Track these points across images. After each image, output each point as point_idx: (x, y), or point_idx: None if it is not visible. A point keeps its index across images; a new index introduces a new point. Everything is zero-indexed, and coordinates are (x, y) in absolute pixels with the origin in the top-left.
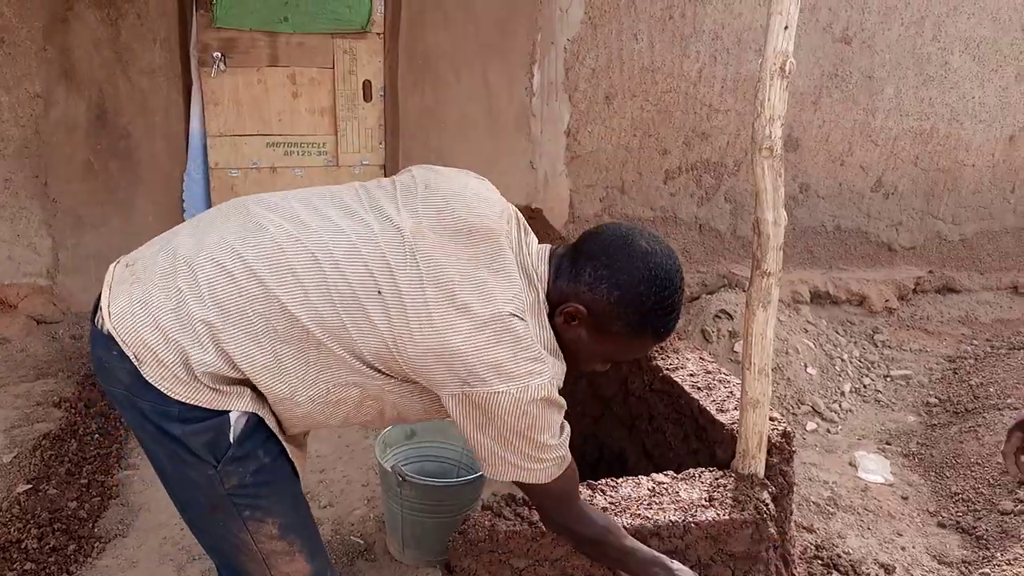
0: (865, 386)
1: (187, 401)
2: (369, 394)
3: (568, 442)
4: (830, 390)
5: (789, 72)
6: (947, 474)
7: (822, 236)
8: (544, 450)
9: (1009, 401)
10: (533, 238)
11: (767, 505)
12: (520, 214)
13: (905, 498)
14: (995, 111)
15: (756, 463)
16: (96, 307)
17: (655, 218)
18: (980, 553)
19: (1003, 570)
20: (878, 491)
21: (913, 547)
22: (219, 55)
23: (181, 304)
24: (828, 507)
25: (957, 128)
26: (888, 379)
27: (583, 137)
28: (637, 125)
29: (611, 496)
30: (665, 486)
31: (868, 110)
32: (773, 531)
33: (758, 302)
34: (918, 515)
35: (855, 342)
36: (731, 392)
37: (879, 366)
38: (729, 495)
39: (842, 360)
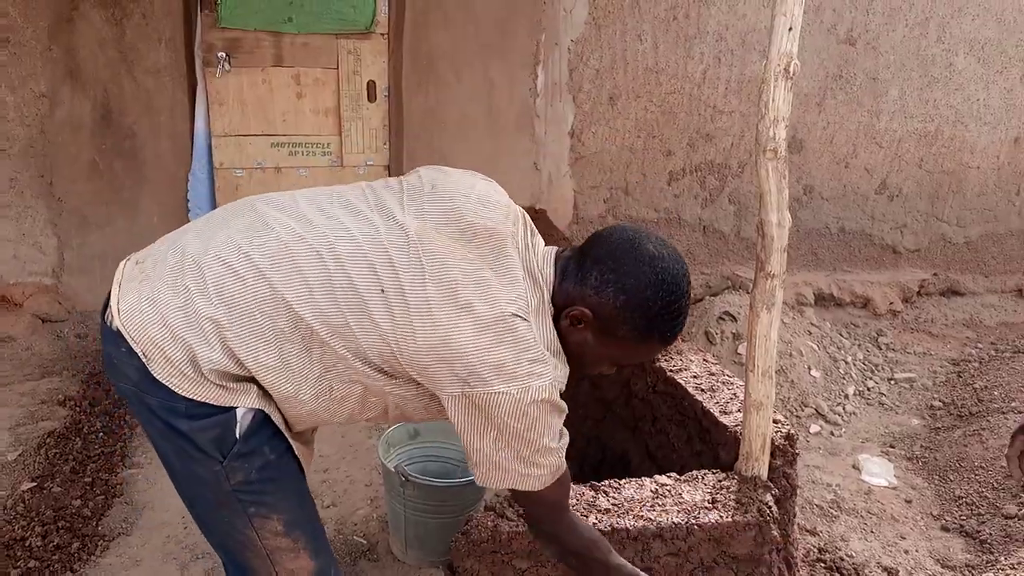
0: (869, 389)
1: (194, 397)
2: (372, 392)
3: (565, 450)
4: (834, 393)
5: (793, 74)
6: (951, 478)
7: (826, 238)
8: (542, 454)
9: (1013, 405)
10: (539, 240)
11: (770, 507)
12: (527, 216)
13: (909, 501)
14: (1000, 113)
15: (759, 465)
16: (107, 304)
17: (659, 219)
18: (984, 557)
19: (1007, 574)
20: (881, 494)
21: (916, 551)
22: (224, 55)
23: (188, 302)
24: (831, 510)
25: (962, 130)
26: (892, 382)
27: (587, 138)
28: (641, 126)
29: (614, 498)
30: (668, 488)
31: (872, 112)
32: (776, 534)
33: (762, 304)
34: (922, 518)
35: (859, 344)
36: (735, 394)
37: (883, 369)
38: (732, 497)
39: (846, 363)
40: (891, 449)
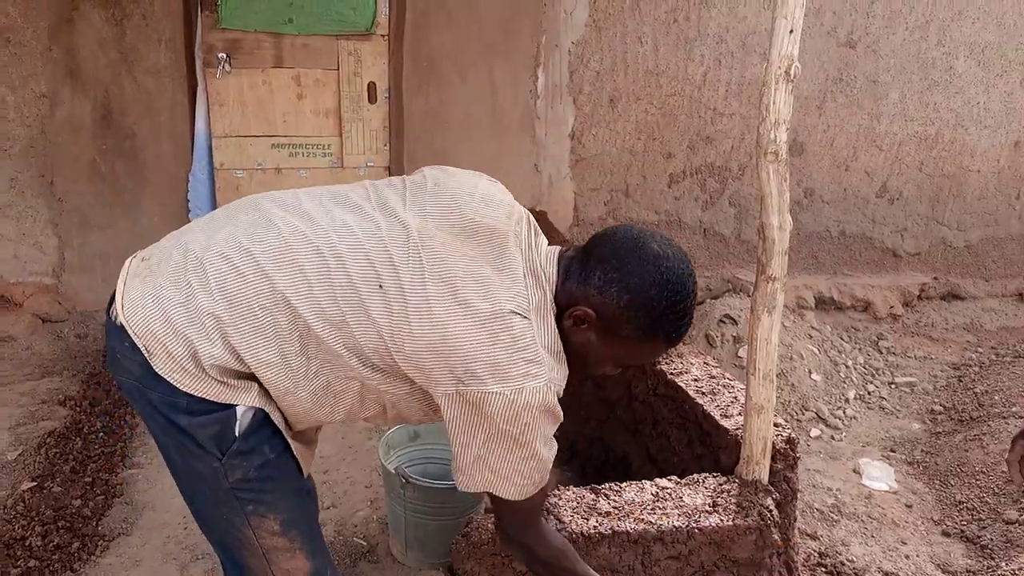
0: (869, 393)
1: (195, 393)
2: (369, 390)
3: (552, 461)
4: (834, 396)
5: (794, 76)
6: (952, 482)
7: (827, 241)
8: (530, 463)
9: (1014, 409)
10: (543, 239)
11: (771, 511)
12: (531, 216)
13: (909, 506)
14: (1000, 116)
15: (760, 469)
16: (112, 299)
17: (659, 222)
18: (985, 563)
19: None
20: (882, 499)
21: (917, 555)
22: (224, 56)
23: (190, 298)
24: (832, 514)
25: (962, 133)
26: (893, 386)
27: (587, 140)
28: (641, 128)
29: (615, 500)
30: (669, 491)
31: (873, 115)
32: (777, 537)
33: (763, 307)
34: (922, 523)
35: (860, 348)
36: (735, 397)
37: (884, 373)
38: (733, 501)
39: (847, 366)
40: (892, 453)
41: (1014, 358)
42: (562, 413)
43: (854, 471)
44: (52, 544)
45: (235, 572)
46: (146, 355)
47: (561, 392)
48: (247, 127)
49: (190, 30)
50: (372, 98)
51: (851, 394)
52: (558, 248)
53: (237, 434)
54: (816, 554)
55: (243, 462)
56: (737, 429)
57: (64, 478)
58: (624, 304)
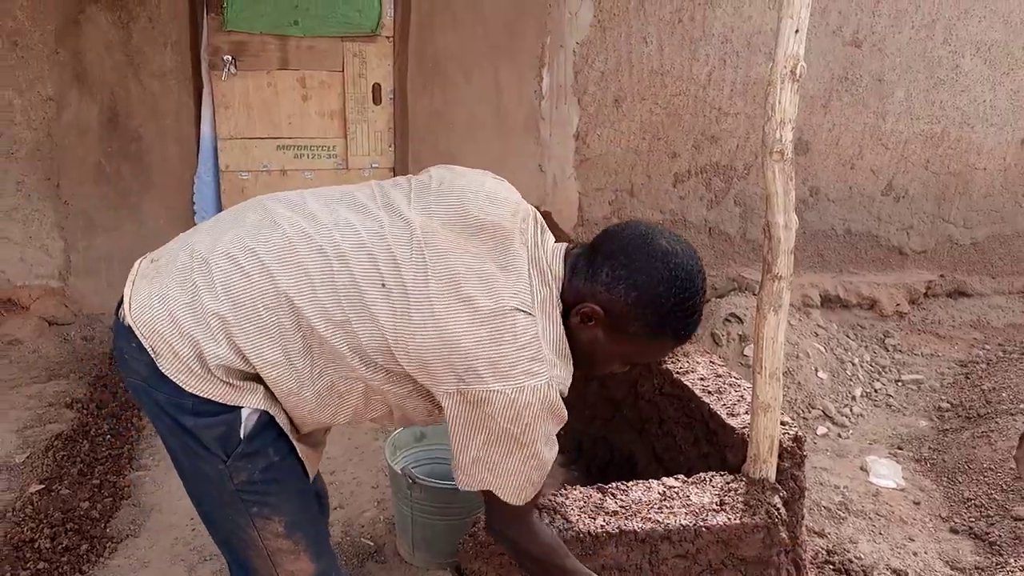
0: (876, 390)
1: (200, 394)
2: (373, 391)
3: (552, 463)
4: (841, 394)
5: (800, 75)
6: (959, 479)
7: (832, 240)
8: (530, 462)
9: (1022, 406)
10: (550, 237)
11: (778, 509)
12: (538, 214)
13: (917, 503)
14: (1006, 114)
15: (767, 467)
16: (122, 300)
17: (664, 221)
18: (993, 559)
19: None
20: (890, 496)
21: (925, 552)
22: (229, 58)
23: (196, 298)
24: (839, 512)
25: (968, 131)
26: (899, 383)
27: (592, 140)
28: (646, 128)
29: (621, 500)
30: (676, 490)
31: (878, 113)
32: (784, 536)
33: (769, 306)
34: (930, 520)
35: (866, 346)
36: (742, 396)
37: (890, 370)
38: (740, 499)
39: (853, 364)
40: (899, 451)
41: (1021, 355)
42: (566, 413)
43: (861, 469)
44: (61, 546)
45: (241, 573)
46: (152, 356)
47: (566, 391)
48: (252, 129)
49: (196, 33)
50: (377, 99)
51: (858, 392)
52: (565, 245)
53: (242, 436)
54: (824, 552)
55: (248, 464)
56: (744, 427)
57: (72, 480)
58: (632, 301)
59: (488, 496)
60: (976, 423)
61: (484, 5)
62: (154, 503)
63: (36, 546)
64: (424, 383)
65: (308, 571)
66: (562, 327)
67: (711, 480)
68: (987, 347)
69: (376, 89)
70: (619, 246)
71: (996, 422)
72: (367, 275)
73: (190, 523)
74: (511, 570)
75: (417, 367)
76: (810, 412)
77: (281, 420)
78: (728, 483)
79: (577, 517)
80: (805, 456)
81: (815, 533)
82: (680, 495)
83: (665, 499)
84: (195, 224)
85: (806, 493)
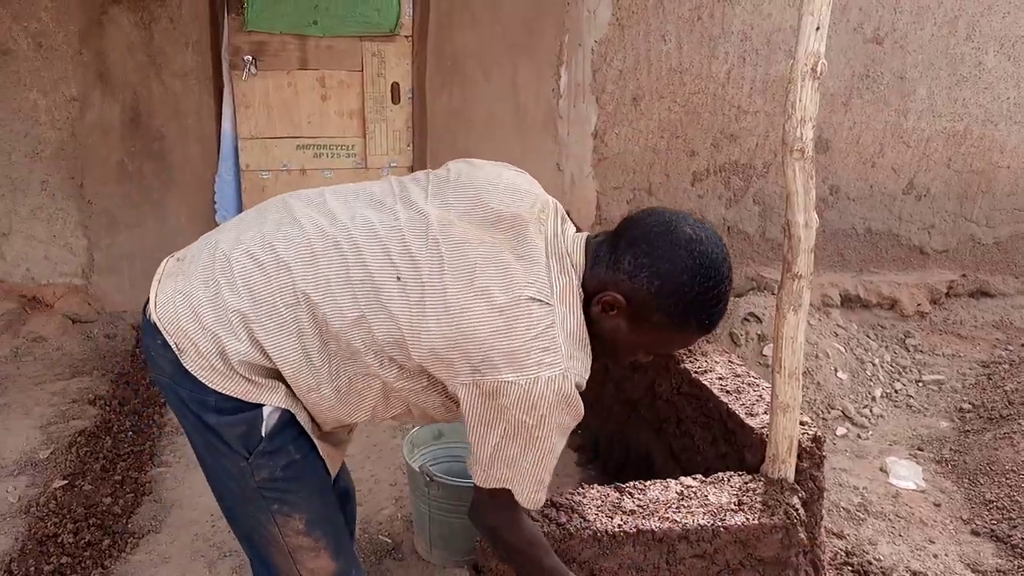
0: (896, 391)
1: (223, 391)
2: (391, 388)
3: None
4: (861, 395)
5: (821, 73)
6: (981, 481)
7: (853, 239)
8: (545, 459)
9: None
10: (571, 227)
11: (797, 510)
12: (559, 205)
13: (938, 505)
14: None
15: (786, 467)
16: (148, 299)
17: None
18: (1016, 562)
19: None
20: (910, 497)
21: (946, 555)
22: (250, 58)
23: (218, 295)
24: (859, 513)
25: (991, 129)
26: (920, 384)
27: (610, 139)
28: (665, 127)
29: (639, 499)
30: (694, 490)
31: (900, 111)
32: (803, 536)
33: (788, 305)
34: (951, 522)
35: (886, 346)
36: (760, 396)
37: (911, 371)
38: (759, 499)
39: (873, 365)
40: (919, 452)
41: None
42: (582, 407)
43: (881, 470)
44: (83, 541)
45: (263, 570)
46: (177, 352)
47: (583, 383)
48: (272, 128)
49: (216, 33)
50: (395, 99)
51: (878, 392)
52: (586, 234)
53: (263, 434)
54: (843, 553)
55: (269, 462)
56: (762, 427)
57: (95, 476)
58: (655, 290)
59: (476, 484)
60: (998, 424)
61: (503, 3)
62: (175, 499)
63: (59, 541)
64: (440, 376)
65: (328, 568)
66: (582, 317)
67: (729, 480)
68: (1010, 348)
69: (395, 88)
70: (642, 233)
71: (1019, 423)
72: (382, 269)
73: (210, 519)
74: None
75: (432, 360)
76: (829, 412)
77: (302, 418)
78: (746, 483)
79: (594, 516)
80: (824, 457)
81: (834, 534)
82: (698, 495)
83: (683, 499)
84: (216, 223)
85: (825, 494)
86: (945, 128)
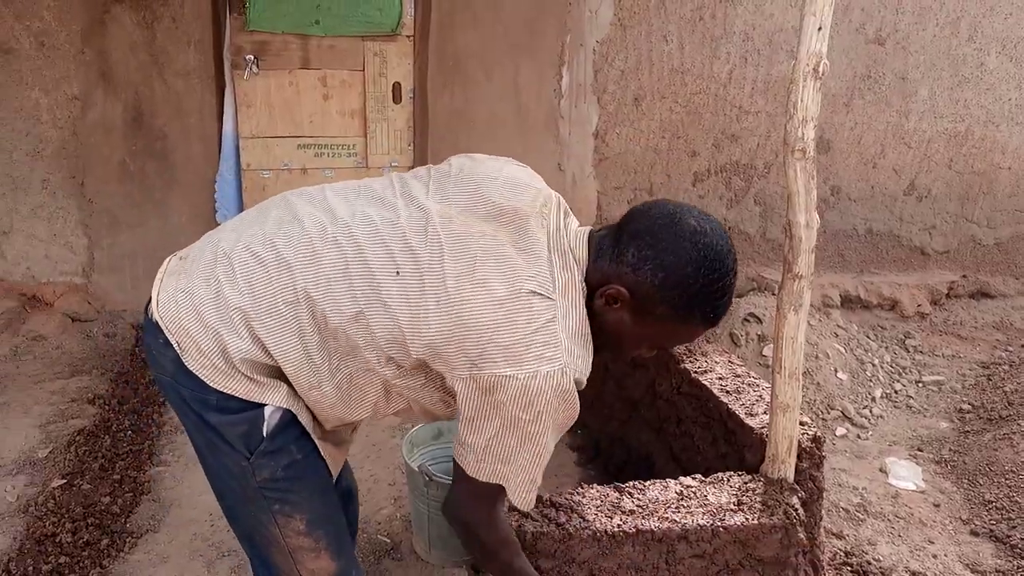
0: (896, 392)
1: (224, 390)
2: (391, 384)
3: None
4: (861, 395)
5: (823, 73)
6: (980, 481)
7: (853, 239)
8: (539, 458)
9: None
10: (574, 221)
11: (796, 510)
12: (562, 199)
13: (937, 505)
14: None
15: (786, 468)
16: (151, 298)
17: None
18: (1015, 562)
19: None
20: (909, 498)
21: (945, 555)
22: (252, 58)
23: (219, 293)
24: (858, 513)
25: (993, 130)
26: (920, 385)
27: (611, 139)
28: (666, 127)
29: (638, 499)
30: (693, 489)
31: (901, 112)
32: (802, 536)
33: (789, 305)
34: (950, 523)
35: (886, 347)
36: (760, 396)
37: (911, 371)
38: (758, 499)
39: (873, 365)
40: (919, 452)
41: None
42: (579, 406)
43: (880, 470)
44: (82, 541)
45: (263, 570)
46: (178, 351)
47: (584, 380)
48: (274, 128)
49: (219, 32)
50: (397, 98)
51: (877, 393)
52: (589, 228)
53: (265, 434)
54: (842, 553)
55: (270, 462)
56: (762, 428)
57: (93, 476)
58: (659, 282)
59: (457, 471)
60: (998, 425)
61: (504, 3)
62: (174, 499)
63: (58, 540)
64: (439, 369)
65: (328, 569)
66: (584, 313)
67: (729, 480)
68: (1010, 349)
69: (396, 88)
70: (646, 225)
71: (1019, 424)
72: (381, 264)
73: (209, 519)
74: None
75: (431, 354)
76: (829, 413)
77: (304, 419)
78: (746, 483)
79: (594, 516)
80: (824, 457)
81: (833, 535)
82: (697, 495)
83: (682, 499)
84: (217, 222)
85: (824, 494)
86: (947, 129)
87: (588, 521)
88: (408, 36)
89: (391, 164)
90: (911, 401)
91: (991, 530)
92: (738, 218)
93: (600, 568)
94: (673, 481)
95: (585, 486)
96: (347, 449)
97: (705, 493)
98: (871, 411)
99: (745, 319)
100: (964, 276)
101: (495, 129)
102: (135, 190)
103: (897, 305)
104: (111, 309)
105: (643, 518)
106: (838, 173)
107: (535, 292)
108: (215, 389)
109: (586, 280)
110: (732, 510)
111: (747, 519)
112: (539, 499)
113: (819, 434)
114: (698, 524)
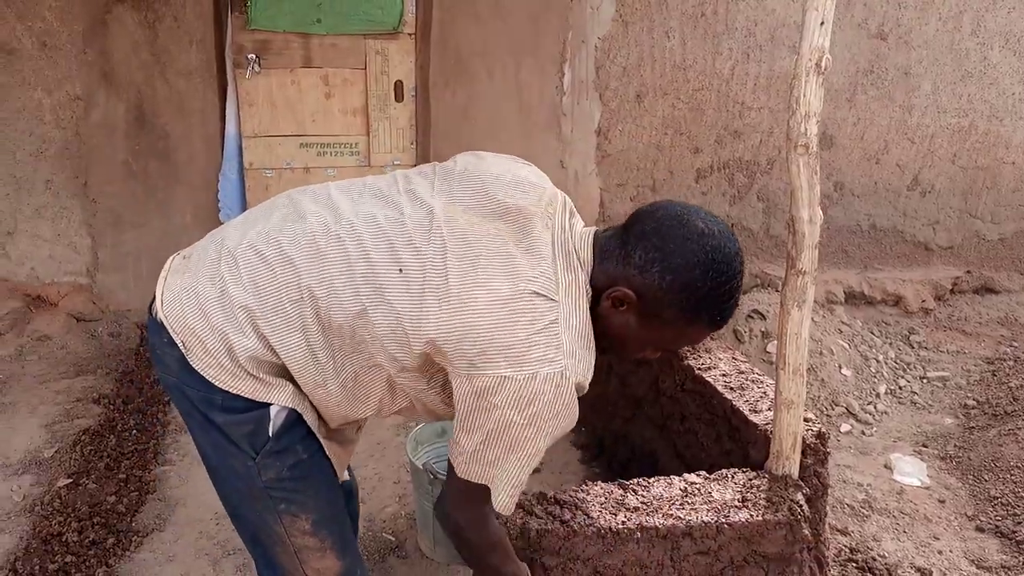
0: (901, 388)
1: (230, 390)
2: (394, 381)
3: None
4: (865, 391)
5: (825, 68)
6: (985, 477)
7: (857, 235)
8: (529, 461)
9: None
10: (579, 221)
11: (801, 506)
12: (568, 199)
13: (942, 501)
14: None
15: (790, 464)
16: (155, 297)
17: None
18: (1021, 558)
19: None
20: (914, 494)
21: (950, 551)
22: (254, 56)
23: (224, 292)
24: (863, 510)
25: (997, 125)
26: (924, 380)
27: (614, 136)
28: (668, 123)
29: (643, 496)
30: (697, 486)
31: (904, 107)
32: (807, 532)
33: (793, 301)
34: (955, 519)
35: (890, 343)
36: (764, 392)
37: (915, 367)
38: (763, 496)
39: (877, 361)
40: (924, 448)
41: None
42: (578, 411)
43: (885, 466)
44: (88, 540)
45: (267, 571)
46: (183, 350)
47: (586, 384)
48: (276, 127)
49: (220, 31)
50: (399, 96)
51: (882, 389)
52: (594, 229)
53: (271, 434)
54: (847, 549)
55: (276, 461)
56: (766, 424)
57: (99, 475)
58: (666, 285)
59: (448, 473)
60: (1003, 421)
61: (506, 1)
62: (179, 497)
63: (64, 539)
64: (440, 364)
65: (334, 568)
66: (588, 315)
67: (733, 477)
68: (1015, 344)
69: (398, 86)
70: (653, 227)
71: None
72: (384, 262)
73: (214, 517)
74: (532, 566)
75: (432, 351)
76: (834, 409)
77: (309, 418)
78: (750, 479)
79: (598, 513)
80: (828, 453)
81: (838, 531)
82: (702, 491)
83: (687, 495)
84: (220, 221)
85: (829, 490)
86: (950, 124)
87: (592, 518)
88: (410, 34)
89: (394, 162)
90: (916, 397)
91: (996, 526)
92: (741, 214)
93: (604, 565)
94: (677, 478)
95: (589, 483)
96: (352, 449)
97: (709, 490)
98: (875, 407)
99: (749, 315)
100: (968, 272)
101: (497, 126)
102: (138, 190)
103: (901, 301)
104: (115, 309)
105: (647, 515)
106: (841, 169)
107: (538, 293)
108: (221, 389)
109: (591, 282)
110: (736, 507)
111: (751, 516)
112: (543, 496)
113: (823, 430)
114: (702, 521)
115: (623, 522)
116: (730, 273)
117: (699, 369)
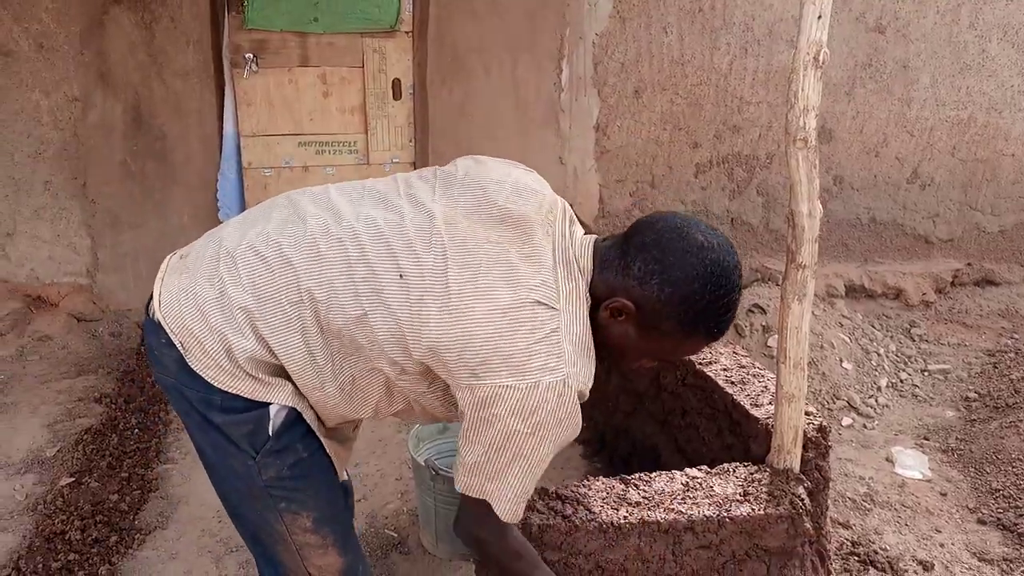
0: (902, 381)
1: (229, 390)
2: (393, 385)
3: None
4: (866, 385)
5: (823, 62)
6: (987, 470)
7: (857, 229)
8: (532, 472)
9: None
10: (579, 229)
11: (803, 500)
12: (568, 206)
13: (944, 494)
14: None
15: (791, 458)
16: (151, 297)
17: (686, 212)
18: (1022, 550)
19: None
20: (916, 487)
21: (952, 544)
22: (251, 56)
23: (223, 292)
24: (864, 503)
25: (996, 117)
26: (926, 373)
27: (612, 132)
28: (667, 119)
29: (644, 490)
30: (699, 481)
31: (903, 100)
32: (809, 526)
33: (793, 295)
34: (957, 511)
35: (891, 336)
36: (765, 387)
37: (916, 360)
38: (764, 490)
39: (878, 354)
40: (925, 441)
41: None
42: (581, 419)
43: (887, 459)
44: (91, 538)
45: (269, 568)
46: (182, 351)
47: (586, 391)
48: (274, 126)
49: (217, 31)
50: (397, 94)
51: (883, 382)
52: (594, 237)
53: (270, 433)
54: (849, 543)
55: (276, 460)
56: (767, 418)
57: (101, 473)
58: (665, 297)
59: (467, 498)
60: (1004, 413)
61: None
62: (181, 495)
63: (67, 538)
64: (441, 374)
65: (336, 565)
66: (588, 324)
67: (734, 471)
68: (1015, 336)
69: (396, 84)
70: (653, 239)
71: None
72: (385, 267)
73: (217, 515)
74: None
75: (432, 359)
76: (835, 403)
77: (309, 417)
78: (752, 474)
79: (600, 508)
80: (830, 446)
81: (840, 524)
82: (703, 486)
83: (688, 490)
84: (219, 221)
85: (831, 484)
86: (949, 117)
87: (594, 513)
88: (407, 32)
89: (392, 160)
90: (917, 390)
91: (998, 518)
92: (741, 209)
93: (606, 560)
94: (679, 472)
95: (591, 478)
96: (351, 447)
97: (711, 484)
98: (877, 400)
99: (749, 310)
100: (969, 264)
101: (495, 124)
102: (136, 190)
103: (902, 294)
104: (116, 308)
105: (649, 509)
106: (840, 162)
107: (539, 302)
108: (220, 389)
109: (590, 290)
110: (738, 501)
111: (753, 510)
112: (545, 491)
113: (825, 424)
114: (704, 515)
115: (625, 517)
116: (729, 287)
117: (700, 364)
